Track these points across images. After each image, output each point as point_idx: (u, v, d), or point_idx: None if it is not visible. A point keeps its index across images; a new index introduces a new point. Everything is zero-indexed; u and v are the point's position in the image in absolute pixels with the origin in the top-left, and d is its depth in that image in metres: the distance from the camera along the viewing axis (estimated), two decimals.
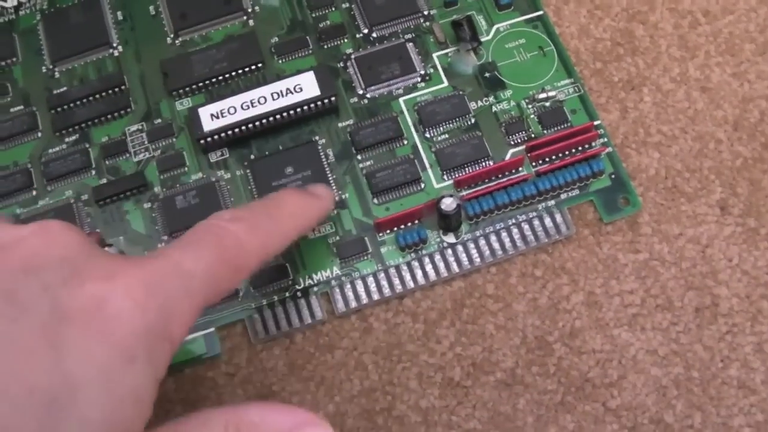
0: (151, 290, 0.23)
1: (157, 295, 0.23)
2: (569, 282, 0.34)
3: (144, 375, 0.22)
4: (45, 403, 0.20)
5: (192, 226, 0.35)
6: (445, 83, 0.37)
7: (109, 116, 0.38)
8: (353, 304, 0.34)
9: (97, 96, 0.38)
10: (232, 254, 0.26)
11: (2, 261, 0.22)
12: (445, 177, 0.36)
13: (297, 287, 0.34)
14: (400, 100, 0.37)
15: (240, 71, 0.38)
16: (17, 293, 0.21)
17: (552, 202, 0.35)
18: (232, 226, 0.26)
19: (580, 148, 0.36)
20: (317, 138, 0.37)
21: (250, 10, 0.39)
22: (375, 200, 0.36)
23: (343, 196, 0.36)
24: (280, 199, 0.30)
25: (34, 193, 0.37)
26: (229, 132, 0.36)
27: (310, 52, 0.38)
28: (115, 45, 0.39)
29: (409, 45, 0.38)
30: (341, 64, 0.38)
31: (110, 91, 0.38)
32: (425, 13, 0.39)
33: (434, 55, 0.38)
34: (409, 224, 0.35)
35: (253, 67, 0.38)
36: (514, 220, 0.35)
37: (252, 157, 0.37)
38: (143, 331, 0.22)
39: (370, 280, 0.34)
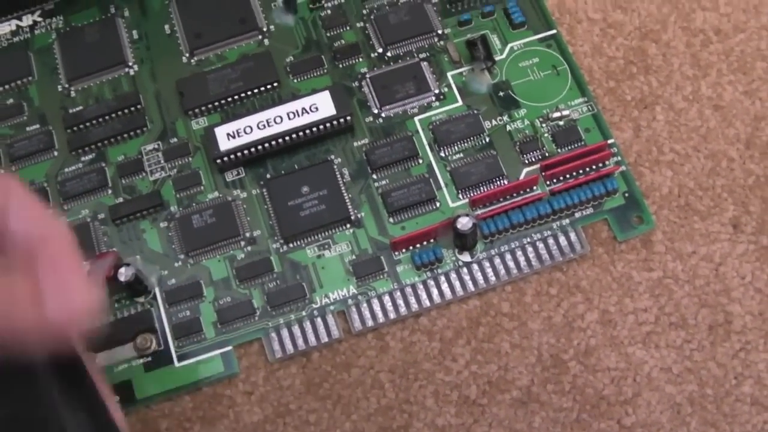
0: None
1: None
2: (584, 300, 0.35)
3: None
4: None
5: (209, 245, 0.35)
6: (460, 102, 0.38)
7: (125, 135, 0.38)
8: (370, 322, 0.34)
9: (113, 115, 0.38)
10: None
11: None
12: (460, 196, 0.36)
13: (314, 306, 0.35)
14: (415, 119, 0.37)
15: (255, 90, 0.38)
16: None
17: (566, 221, 0.35)
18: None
19: (594, 167, 0.36)
20: (333, 157, 0.37)
21: (264, 29, 0.40)
22: (391, 219, 0.36)
23: (359, 215, 0.36)
24: None
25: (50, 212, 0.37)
26: (246, 151, 0.36)
27: (325, 71, 0.39)
28: (130, 64, 0.40)
29: (424, 64, 0.38)
30: (356, 84, 0.38)
31: (126, 110, 0.38)
32: (439, 32, 0.39)
33: (449, 75, 0.38)
34: (425, 243, 0.35)
35: (269, 86, 0.38)
36: (528, 239, 0.35)
37: (268, 176, 0.37)
38: None
39: (387, 298, 0.35)
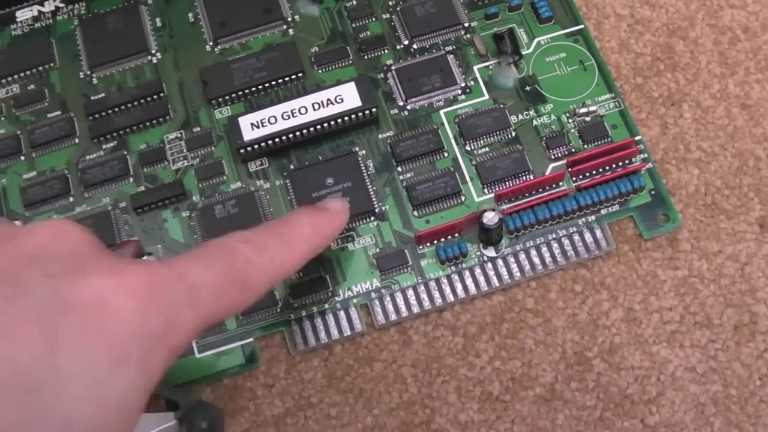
0: (154, 294, 0.22)
1: (159, 299, 0.22)
2: (609, 298, 0.34)
3: (134, 381, 0.21)
4: (29, 389, 0.19)
5: None
6: (486, 96, 0.37)
7: (147, 123, 0.38)
8: (393, 316, 0.34)
9: (135, 103, 0.38)
10: (240, 271, 0.25)
11: (11, 247, 0.22)
12: (485, 190, 0.36)
13: (337, 299, 0.34)
14: (441, 112, 0.37)
15: (280, 80, 0.38)
16: (19, 277, 0.21)
17: (592, 218, 0.35)
18: (241, 246, 0.26)
19: (620, 164, 0.36)
20: (357, 149, 0.37)
21: (290, 19, 0.39)
22: (415, 213, 0.35)
23: (384, 208, 0.36)
24: (292, 220, 0.30)
25: (71, 199, 0.37)
26: (269, 142, 0.36)
27: (350, 62, 0.38)
28: (153, 52, 0.39)
29: (450, 57, 0.38)
30: (381, 75, 0.38)
31: (148, 99, 0.38)
32: (466, 25, 0.39)
33: (475, 68, 0.38)
34: (450, 237, 0.35)
35: (293, 76, 0.38)
36: (554, 235, 0.35)
37: (291, 167, 0.37)
38: (140, 333, 0.21)
39: (410, 292, 0.34)
